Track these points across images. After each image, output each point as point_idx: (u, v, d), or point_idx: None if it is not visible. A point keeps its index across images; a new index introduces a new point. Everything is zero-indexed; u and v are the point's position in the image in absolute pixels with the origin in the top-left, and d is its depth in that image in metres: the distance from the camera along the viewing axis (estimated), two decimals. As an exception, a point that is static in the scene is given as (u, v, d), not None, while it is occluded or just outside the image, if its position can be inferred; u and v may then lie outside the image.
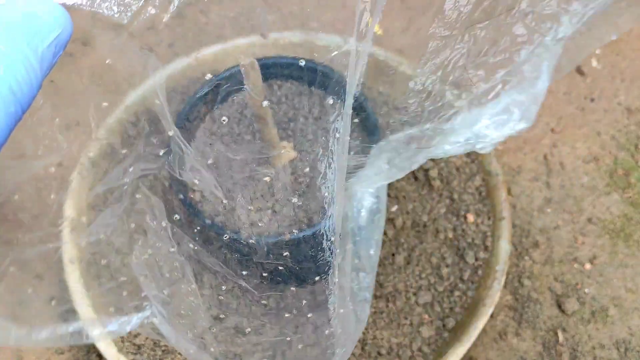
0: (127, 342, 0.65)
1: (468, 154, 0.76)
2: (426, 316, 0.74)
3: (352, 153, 0.59)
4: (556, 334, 0.80)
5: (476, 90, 0.46)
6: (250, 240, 0.60)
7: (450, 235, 0.72)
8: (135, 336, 0.65)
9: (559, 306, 0.82)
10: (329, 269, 0.71)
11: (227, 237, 0.61)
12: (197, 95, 0.67)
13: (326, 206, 0.60)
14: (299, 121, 0.68)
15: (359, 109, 0.67)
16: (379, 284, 0.70)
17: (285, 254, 0.67)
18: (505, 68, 0.45)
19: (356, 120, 0.67)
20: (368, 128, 0.65)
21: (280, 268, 0.73)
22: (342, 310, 0.59)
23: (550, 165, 0.87)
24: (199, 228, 0.63)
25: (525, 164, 0.89)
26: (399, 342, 0.73)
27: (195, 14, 0.97)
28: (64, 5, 0.26)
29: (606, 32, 0.44)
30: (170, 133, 0.48)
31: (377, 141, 0.64)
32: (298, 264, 0.71)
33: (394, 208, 0.72)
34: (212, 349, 0.66)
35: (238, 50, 0.79)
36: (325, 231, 0.60)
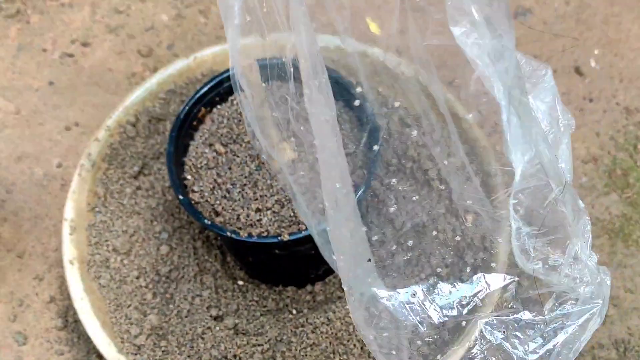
0: (127, 342, 0.65)
1: (467, 154, 0.76)
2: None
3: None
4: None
5: None
6: (250, 241, 0.60)
7: (450, 235, 0.72)
8: (136, 336, 0.66)
9: (558, 306, 0.82)
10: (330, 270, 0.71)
11: (227, 237, 0.61)
12: (196, 96, 0.68)
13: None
14: (298, 121, 0.68)
15: (357, 109, 0.67)
16: (379, 284, 0.71)
17: (285, 254, 0.67)
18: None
19: (355, 120, 0.67)
20: (367, 129, 0.65)
21: (280, 268, 0.73)
22: None
23: (549, 166, 0.87)
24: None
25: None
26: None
27: (194, 14, 0.97)
28: None
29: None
30: None
31: (376, 140, 0.64)
32: (298, 264, 0.71)
33: (393, 208, 0.72)
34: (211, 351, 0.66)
35: (237, 50, 0.79)
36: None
